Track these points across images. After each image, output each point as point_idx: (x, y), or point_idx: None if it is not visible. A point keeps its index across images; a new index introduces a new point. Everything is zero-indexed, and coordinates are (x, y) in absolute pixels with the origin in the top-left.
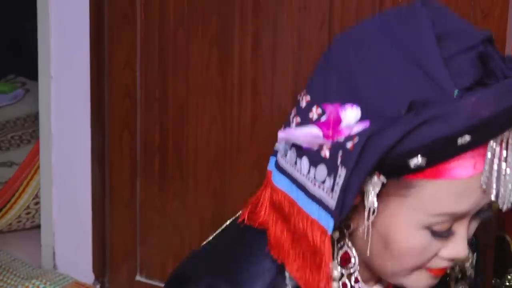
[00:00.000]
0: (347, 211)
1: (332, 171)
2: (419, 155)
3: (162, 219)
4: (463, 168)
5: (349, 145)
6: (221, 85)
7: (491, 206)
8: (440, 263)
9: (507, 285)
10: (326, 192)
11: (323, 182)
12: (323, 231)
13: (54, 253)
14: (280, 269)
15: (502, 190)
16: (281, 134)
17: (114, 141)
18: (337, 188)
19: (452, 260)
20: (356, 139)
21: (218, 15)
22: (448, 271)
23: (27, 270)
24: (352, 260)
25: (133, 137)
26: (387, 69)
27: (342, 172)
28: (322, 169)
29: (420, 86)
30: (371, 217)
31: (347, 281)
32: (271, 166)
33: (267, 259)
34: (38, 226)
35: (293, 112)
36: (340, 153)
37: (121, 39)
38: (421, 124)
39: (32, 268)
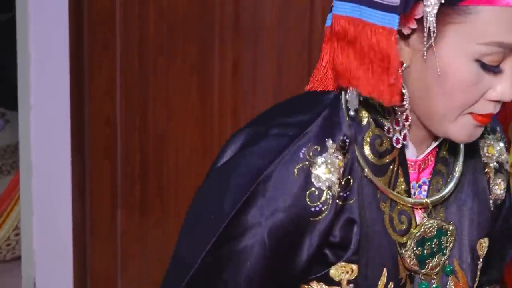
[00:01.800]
0: (410, 6)
1: None
2: None
3: (143, 249)
4: None
5: None
6: (202, 113)
7: None
8: (485, 107)
9: None
10: None
11: None
12: (389, 31)
13: (34, 283)
14: (334, 103)
15: None
16: None
17: (94, 171)
18: None
19: (498, 102)
20: None
21: (198, 41)
22: (489, 162)
23: None
24: (405, 98)
25: (113, 166)
26: None
27: None
28: None
29: None
30: (432, 37)
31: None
32: (328, 22)
33: (320, 105)
34: (19, 258)
35: None
36: None
37: (101, 67)
38: None
39: None
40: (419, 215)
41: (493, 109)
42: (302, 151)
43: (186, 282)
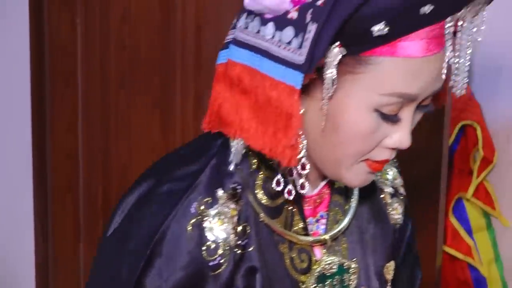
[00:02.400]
0: (315, 65)
1: (300, 30)
2: (383, 22)
3: None
4: (418, 48)
5: (319, 2)
6: (164, 146)
7: (435, 98)
8: (382, 153)
9: None
10: (293, 51)
11: (289, 43)
12: (291, 89)
13: None
14: (221, 155)
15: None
16: (248, 1)
17: (57, 205)
18: (307, 43)
19: (394, 149)
20: None
21: (159, 75)
22: (383, 188)
23: None
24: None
25: (75, 200)
26: None
27: (312, 28)
28: (288, 31)
29: None
30: (332, 89)
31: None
32: (220, 59)
33: (208, 153)
34: None
35: None
36: (310, 11)
37: (63, 102)
38: None
39: None
40: (319, 251)
41: (389, 155)
42: (193, 205)
43: None
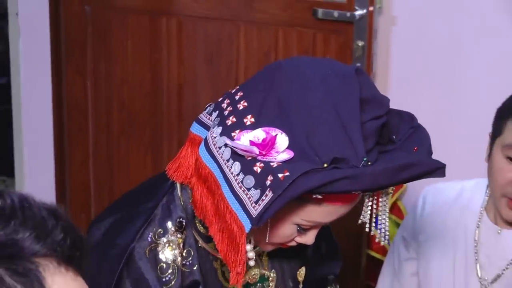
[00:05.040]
0: (263, 223)
1: (260, 186)
2: (322, 195)
3: None
4: (338, 201)
5: (280, 175)
6: None
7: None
8: (290, 243)
9: None
10: (250, 200)
11: (249, 189)
12: (242, 228)
13: None
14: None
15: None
16: (228, 141)
17: None
18: (262, 204)
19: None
20: (286, 173)
21: (150, 126)
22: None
23: None
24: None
25: (89, 221)
26: (318, 119)
27: (269, 194)
28: (250, 179)
29: (341, 144)
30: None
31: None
32: (197, 131)
33: (160, 194)
34: None
35: (229, 107)
36: (270, 177)
37: (77, 144)
38: (338, 179)
39: None
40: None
41: (295, 244)
42: (150, 235)
43: None
